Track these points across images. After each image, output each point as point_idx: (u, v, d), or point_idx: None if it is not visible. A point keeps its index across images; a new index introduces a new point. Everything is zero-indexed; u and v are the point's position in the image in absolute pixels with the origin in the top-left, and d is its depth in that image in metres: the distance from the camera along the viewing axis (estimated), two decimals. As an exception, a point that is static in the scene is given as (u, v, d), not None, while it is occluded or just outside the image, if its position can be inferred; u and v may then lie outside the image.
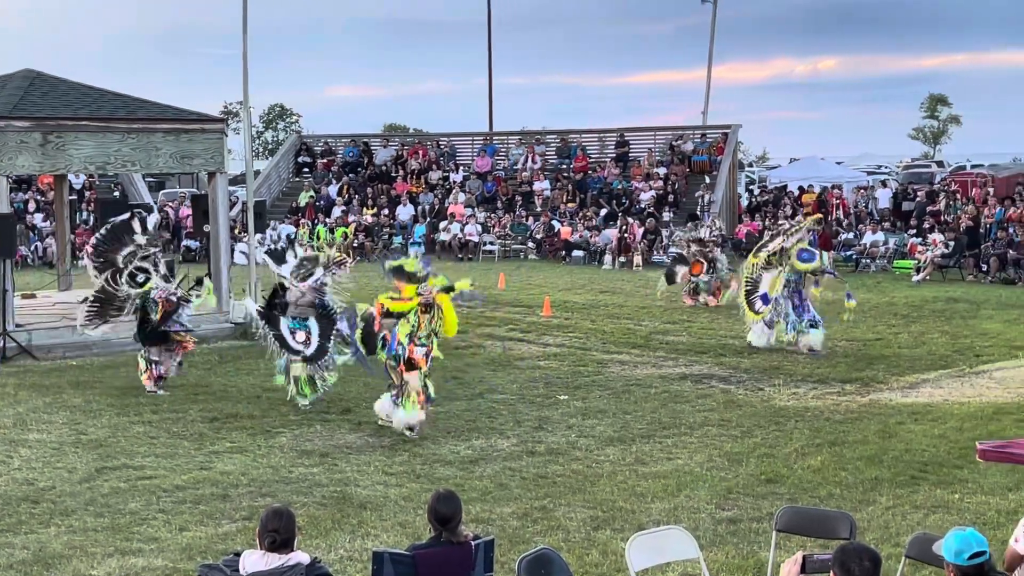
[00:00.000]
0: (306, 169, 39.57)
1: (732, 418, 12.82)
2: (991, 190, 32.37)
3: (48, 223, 31.60)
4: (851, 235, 31.05)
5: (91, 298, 14.87)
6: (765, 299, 17.23)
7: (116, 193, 35.99)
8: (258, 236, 24.27)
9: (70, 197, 26.64)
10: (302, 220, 34.14)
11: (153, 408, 13.27)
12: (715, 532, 8.89)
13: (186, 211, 34.28)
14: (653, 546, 6.84)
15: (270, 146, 76.76)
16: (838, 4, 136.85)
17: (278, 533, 5.54)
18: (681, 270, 22.36)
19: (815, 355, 16.67)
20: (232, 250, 20.68)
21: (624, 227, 30.97)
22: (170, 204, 36.92)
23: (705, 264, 22.20)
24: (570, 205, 34.46)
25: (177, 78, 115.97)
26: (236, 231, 29.55)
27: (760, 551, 8.30)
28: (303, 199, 36.59)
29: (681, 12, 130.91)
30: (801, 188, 36.35)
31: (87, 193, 35.36)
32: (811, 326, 17.07)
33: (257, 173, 39.14)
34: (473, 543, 6.00)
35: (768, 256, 17.41)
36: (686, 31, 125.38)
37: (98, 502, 9.72)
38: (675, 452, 11.39)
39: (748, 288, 17.50)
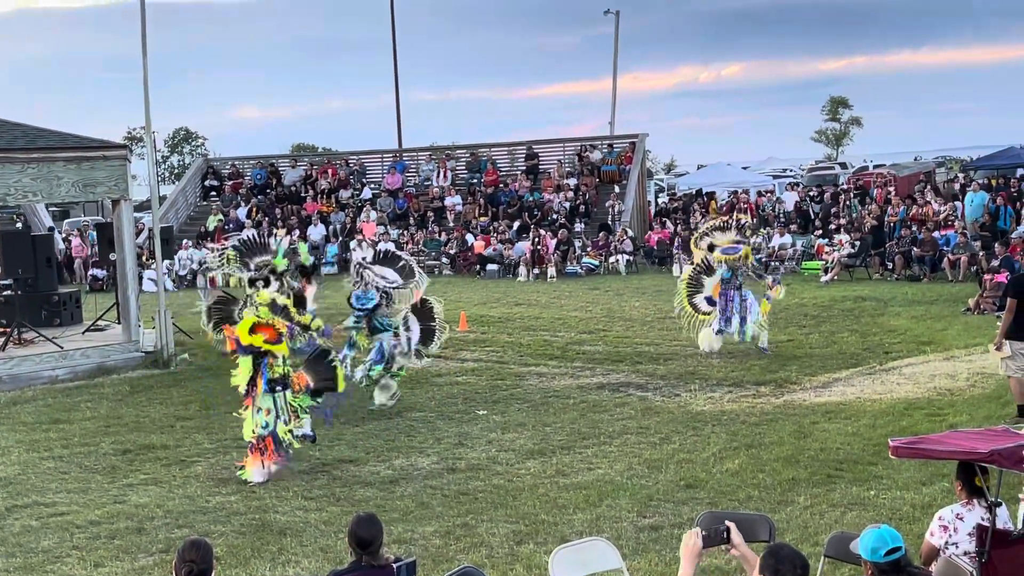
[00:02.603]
0: (213, 192, 39.18)
1: (650, 425, 12.89)
2: (893, 189, 33.03)
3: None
4: (759, 239, 31.46)
5: None
6: (710, 301, 17.38)
7: (19, 224, 35.24)
8: (166, 262, 23.84)
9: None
10: (210, 243, 33.74)
11: (64, 443, 12.96)
12: (637, 540, 8.91)
13: (78, 241, 34.13)
14: (576, 559, 6.82)
15: (176, 170, 75.85)
16: (739, 11, 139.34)
17: (195, 563, 5.45)
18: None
19: (764, 353, 16.95)
20: (140, 278, 20.32)
21: (537, 239, 31.07)
22: (74, 233, 36.33)
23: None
24: (482, 219, 34.52)
25: (79, 106, 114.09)
26: (143, 258, 29.11)
27: (683, 557, 8.32)
28: (211, 223, 36.16)
29: (586, 23, 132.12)
30: (709, 194, 36.85)
31: (-12, 225, 34.65)
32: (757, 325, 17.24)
33: (163, 198, 38.72)
34: (395, 566, 5.92)
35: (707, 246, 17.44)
36: (592, 42, 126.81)
37: (9, 541, 9.46)
38: (595, 462, 11.42)
39: (691, 289, 17.60)
